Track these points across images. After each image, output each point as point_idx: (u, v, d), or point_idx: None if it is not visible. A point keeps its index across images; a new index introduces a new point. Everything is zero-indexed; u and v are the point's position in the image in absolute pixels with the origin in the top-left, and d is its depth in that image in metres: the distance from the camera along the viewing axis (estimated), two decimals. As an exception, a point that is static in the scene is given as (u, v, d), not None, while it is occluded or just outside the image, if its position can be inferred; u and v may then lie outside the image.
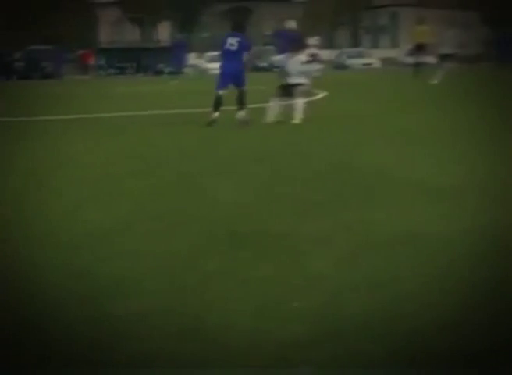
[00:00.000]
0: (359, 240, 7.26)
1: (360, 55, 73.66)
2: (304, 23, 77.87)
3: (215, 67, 62.57)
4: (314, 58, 37.01)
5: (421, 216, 8.33)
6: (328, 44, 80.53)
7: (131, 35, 78.12)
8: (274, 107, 18.85)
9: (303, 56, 21.66)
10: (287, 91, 18.96)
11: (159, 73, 59.86)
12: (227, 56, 18.84)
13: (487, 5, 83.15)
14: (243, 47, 19.05)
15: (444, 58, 32.61)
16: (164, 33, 74.27)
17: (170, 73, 48.61)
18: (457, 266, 6.37)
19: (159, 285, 6.09)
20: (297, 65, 19.63)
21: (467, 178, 10.82)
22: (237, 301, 5.63)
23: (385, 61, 70.88)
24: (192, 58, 66.67)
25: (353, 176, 11.12)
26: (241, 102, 18.76)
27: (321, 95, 30.05)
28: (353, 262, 6.42)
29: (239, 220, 8.28)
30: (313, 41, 49.75)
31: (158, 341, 5.06)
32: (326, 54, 69.77)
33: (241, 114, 18.66)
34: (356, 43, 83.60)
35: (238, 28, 19.89)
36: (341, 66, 70.00)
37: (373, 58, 72.18)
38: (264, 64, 65.01)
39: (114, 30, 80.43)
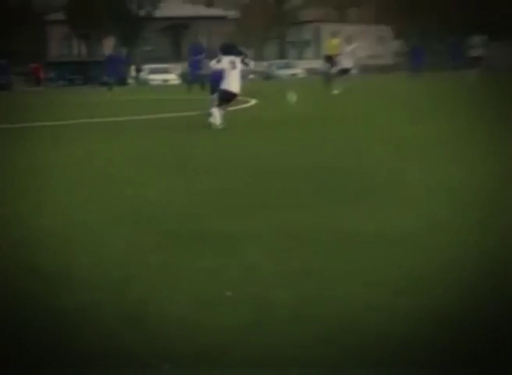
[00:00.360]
0: (291, 236, 6.81)
1: (287, 66, 74.96)
2: (237, 37, 78.54)
3: (155, 78, 61.11)
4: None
5: (353, 216, 7.71)
6: (259, 56, 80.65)
7: (78, 49, 79.85)
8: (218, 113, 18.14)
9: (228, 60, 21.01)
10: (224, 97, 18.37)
11: (105, 84, 59.71)
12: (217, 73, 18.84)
13: (400, 21, 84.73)
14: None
15: (343, 71, 32.73)
16: (108, 47, 74.70)
17: (115, 84, 47.65)
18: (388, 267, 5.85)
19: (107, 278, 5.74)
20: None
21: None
22: (177, 292, 5.35)
23: (310, 71, 71.92)
24: (133, 70, 67.52)
25: (283, 177, 10.45)
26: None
27: (252, 102, 29.07)
28: (286, 256, 6.03)
29: (178, 219, 7.74)
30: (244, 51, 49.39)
31: (104, 330, 4.72)
32: (257, 65, 70.20)
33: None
34: (283, 55, 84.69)
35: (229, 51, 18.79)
36: (270, 77, 71.18)
37: (299, 69, 73.37)
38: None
39: (62, 45, 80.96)
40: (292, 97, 22.85)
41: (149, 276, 5.83)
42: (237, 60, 18.45)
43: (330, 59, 34.48)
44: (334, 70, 34.23)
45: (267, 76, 71.43)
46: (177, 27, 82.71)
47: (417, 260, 5.99)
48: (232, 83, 18.48)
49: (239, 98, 21.89)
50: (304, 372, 3.76)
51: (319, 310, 4.51)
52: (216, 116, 18.14)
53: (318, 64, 77.73)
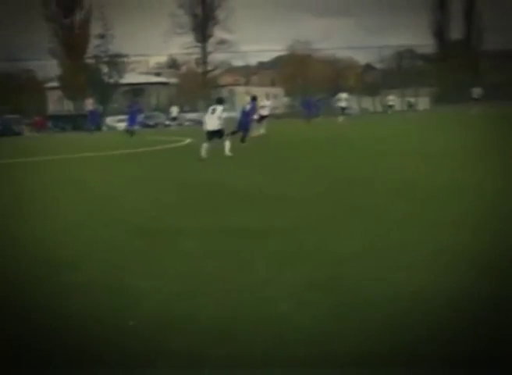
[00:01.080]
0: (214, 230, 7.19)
1: None
2: (178, 97, 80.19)
3: (120, 125, 61.98)
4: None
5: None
6: (193, 109, 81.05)
7: (68, 106, 77.28)
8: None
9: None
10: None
11: (87, 129, 60.37)
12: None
13: (288, 84, 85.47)
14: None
15: (263, 117, 31.43)
16: (89, 104, 74.34)
17: (95, 129, 49.72)
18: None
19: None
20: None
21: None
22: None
23: (228, 119, 70.41)
24: (107, 120, 67.10)
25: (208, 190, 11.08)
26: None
27: (186, 141, 29.56)
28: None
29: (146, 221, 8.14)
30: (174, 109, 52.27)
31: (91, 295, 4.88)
32: (191, 115, 72.18)
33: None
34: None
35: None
36: (200, 123, 66.06)
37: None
38: (151, 123, 66.39)
39: (58, 103, 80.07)
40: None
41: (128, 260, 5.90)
42: (219, 108, 17.96)
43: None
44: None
45: (198, 122, 66.50)
46: (135, 90, 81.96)
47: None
48: (210, 123, 17.99)
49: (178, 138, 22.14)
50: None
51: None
52: (204, 148, 17.65)
53: (234, 114, 79.01)
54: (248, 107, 23.32)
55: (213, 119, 17.99)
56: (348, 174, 12.21)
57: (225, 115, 18.26)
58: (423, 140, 21.45)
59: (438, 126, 32.95)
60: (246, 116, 23.00)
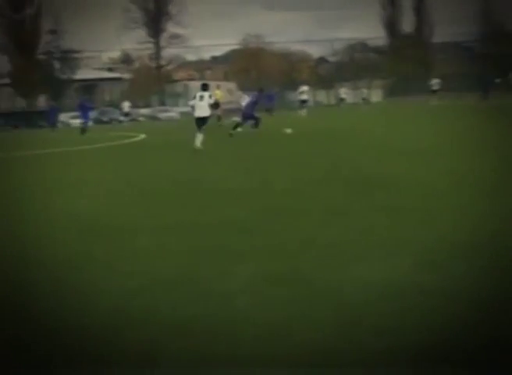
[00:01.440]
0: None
1: (166, 111, 73.94)
2: (132, 92, 79.67)
3: (75, 122, 61.18)
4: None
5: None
6: (147, 104, 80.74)
7: (20, 103, 76.03)
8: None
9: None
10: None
11: (41, 126, 59.72)
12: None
13: (241, 79, 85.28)
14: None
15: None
16: (41, 101, 73.19)
17: (48, 126, 48.92)
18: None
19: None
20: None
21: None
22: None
23: (182, 114, 69.68)
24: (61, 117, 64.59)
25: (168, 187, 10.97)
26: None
27: (140, 137, 29.71)
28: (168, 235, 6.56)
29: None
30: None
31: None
32: (145, 111, 71.97)
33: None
34: (163, 103, 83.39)
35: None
36: (154, 118, 70.01)
37: (174, 113, 72.08)
38: (105, 119, 65.99)
39: (9, 100, 78.29)
40: (288, 130, 22.33)
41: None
42: (206, 95, 18.01)
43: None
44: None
45: (152, 118, 70.39)
46: (88, 86, 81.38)
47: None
48: (200, 110, 17.99)
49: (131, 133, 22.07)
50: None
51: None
52: (199, 138, 17.60)
53: (188, 109, 78.89)
54: (248, 99, 24.59)
55: (202, 106, 18.00)
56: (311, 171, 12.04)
57: (212, 101, 18.30)
58: (400, 133, 20.78)
59: (406, 118, 32.23)
60: (247, 107, 24.20)
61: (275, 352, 3.45)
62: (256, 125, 24.09)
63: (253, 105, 24.34)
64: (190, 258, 5.67)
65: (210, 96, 18.21)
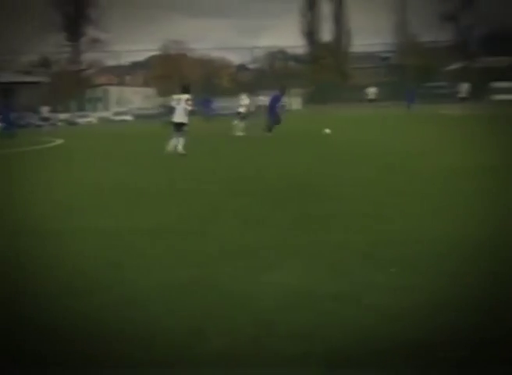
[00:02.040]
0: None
1: (85, 116, 72.57)
2: (51, 97, 77.85)
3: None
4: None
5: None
6: (66, 109, 78.89)
7: None
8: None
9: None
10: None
11: None
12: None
13: (159, 85, 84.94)
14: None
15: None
16: None
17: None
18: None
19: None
20: None
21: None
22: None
23: (101, 119, 69.84)
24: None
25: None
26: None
27: (58, 142, 28.81)
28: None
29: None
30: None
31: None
32: (64, 115, 70.49)
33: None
34: (82, 108, 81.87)
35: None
36: (73, 123, 68.60)
37: (93, 118, 71.07)
38: (22, 123, 63.73)
39: None
40: (326, 131, 22.11)
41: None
42: (183, 98, 17.14)
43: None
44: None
45: (71, 123, 68.65)
46: (6, 90, 79.59)
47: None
48: (176, 115, 17.17)
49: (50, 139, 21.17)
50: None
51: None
52: (181, 142, 16.82)
53: (107, 114, 77.85)
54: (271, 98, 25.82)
55: (178, 111, 17.18)
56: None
57: (189, 107, 17.24)
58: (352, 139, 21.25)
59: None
60: (271, 108, 25.25)
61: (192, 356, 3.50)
62: (270, 128, 24.74)
63: (276, 103, 25.36)
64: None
65: (187, 100, 17.23)
